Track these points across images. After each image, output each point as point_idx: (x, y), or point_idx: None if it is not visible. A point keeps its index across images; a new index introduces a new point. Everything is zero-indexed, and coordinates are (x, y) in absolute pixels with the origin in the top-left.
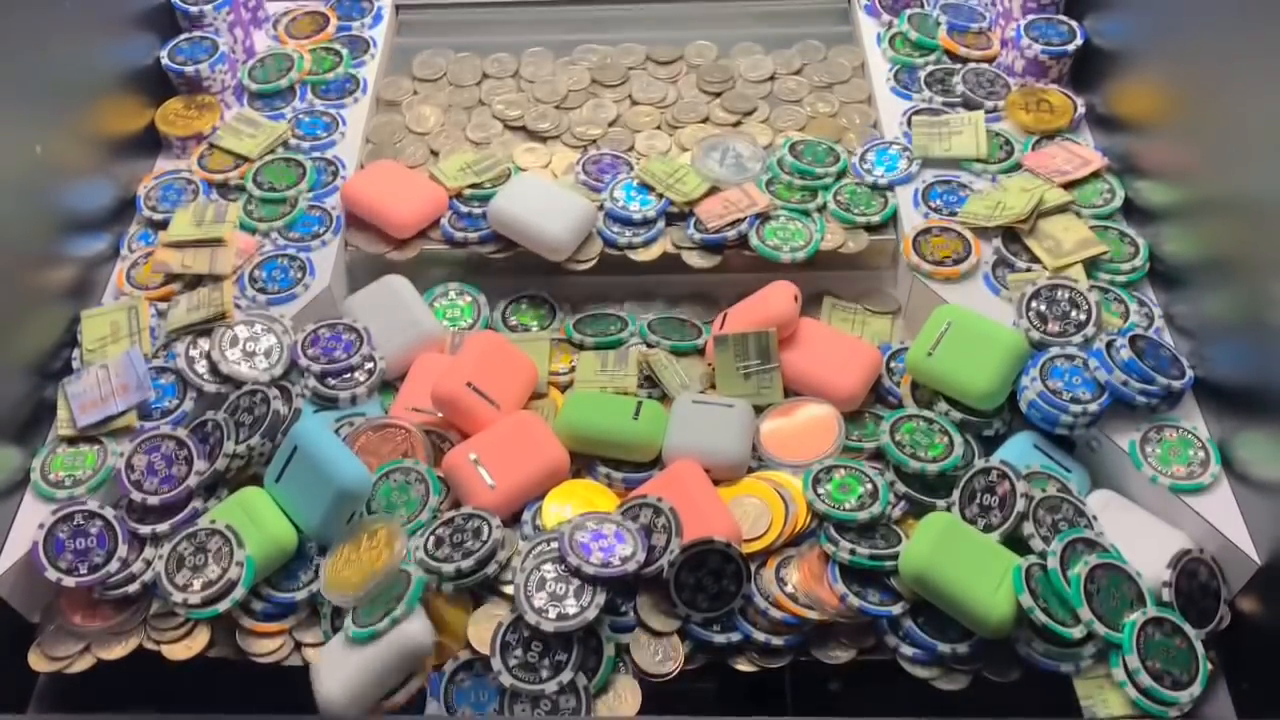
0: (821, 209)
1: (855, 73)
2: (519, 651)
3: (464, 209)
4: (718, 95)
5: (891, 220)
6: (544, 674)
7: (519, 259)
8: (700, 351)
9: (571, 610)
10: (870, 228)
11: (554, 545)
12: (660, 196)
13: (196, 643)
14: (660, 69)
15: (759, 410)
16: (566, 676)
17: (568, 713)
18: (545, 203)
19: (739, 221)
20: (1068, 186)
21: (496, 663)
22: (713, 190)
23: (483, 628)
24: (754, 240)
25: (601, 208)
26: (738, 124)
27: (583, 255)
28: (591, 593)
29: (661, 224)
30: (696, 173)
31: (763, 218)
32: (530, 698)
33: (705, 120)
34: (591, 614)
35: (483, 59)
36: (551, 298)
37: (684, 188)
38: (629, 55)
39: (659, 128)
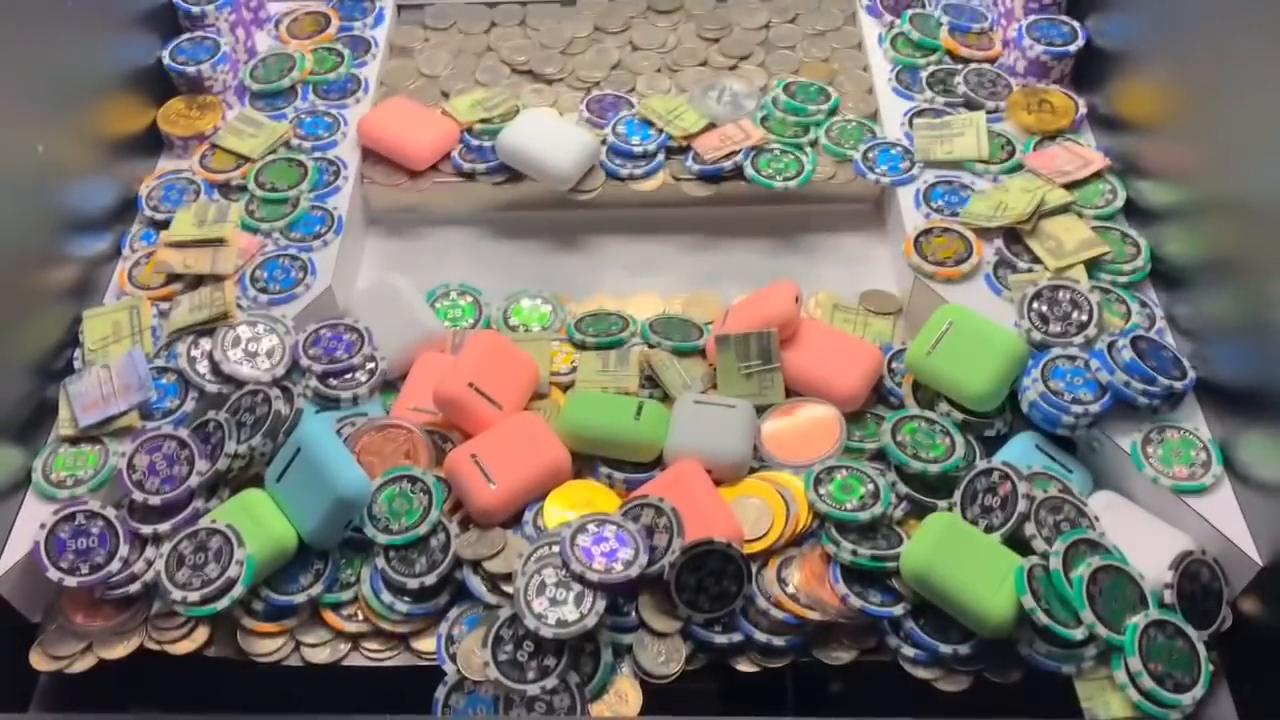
0: (814, 143)
1: (847, 20)
2: (509, 648)
3: (474, 142)
4: (715, 41)
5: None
6: (530, 675)
7: (526, 189)
8: (701, 352)
9: (571, 617)
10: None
11: (555, 549)
12: (660, 131)
13: (198, 643)
14: (660, 18)
15: (760, 410)
16: (551, 682)
17: (563, 712)
18: (551, 136)
19: (735, 153)
20: (1069, 187)
21: (486, 654)
22: (710, 127)
23: (468, 650)
24: (749, 170)
25: (604, 142)
26: (734, 68)
27: (586, 185)
28: (592, 599)
29: (661, 157)
30: (694, 110)
31: (757, 150)
32: (519, 696)
33: (703, 64)
34: (591, 621)
35: (491, 10)
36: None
37: (682, 123)
38: (631, 6)
39: (659, 71)
